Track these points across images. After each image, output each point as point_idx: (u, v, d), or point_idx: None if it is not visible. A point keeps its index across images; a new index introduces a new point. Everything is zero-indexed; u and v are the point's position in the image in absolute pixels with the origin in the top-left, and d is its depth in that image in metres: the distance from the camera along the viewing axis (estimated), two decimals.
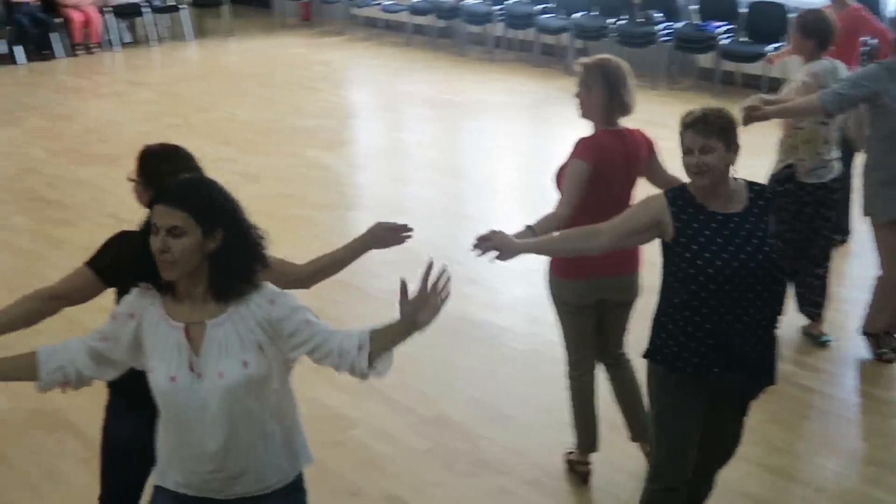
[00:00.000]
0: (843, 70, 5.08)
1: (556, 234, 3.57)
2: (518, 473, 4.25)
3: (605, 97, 3.87)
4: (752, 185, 3.26)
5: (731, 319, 3.15)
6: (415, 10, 13.55)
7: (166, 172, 3.14)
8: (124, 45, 14.20)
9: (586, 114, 3.97)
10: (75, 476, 4.34)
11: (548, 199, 7.75)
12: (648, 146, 3.98)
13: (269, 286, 2.69)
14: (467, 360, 5.27)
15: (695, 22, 10.97)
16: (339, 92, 11.67)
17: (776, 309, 3.25)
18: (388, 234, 3.46)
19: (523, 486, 4.17)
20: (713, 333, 3.17)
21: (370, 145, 9.79)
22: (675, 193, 3.24)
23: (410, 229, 3.47)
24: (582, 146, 3.89)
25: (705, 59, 10.86)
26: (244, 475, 2.67)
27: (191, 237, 2.50)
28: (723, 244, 3.12)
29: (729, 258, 3.10)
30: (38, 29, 13.37)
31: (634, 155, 3.90)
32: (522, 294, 6.10)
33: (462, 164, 8.85)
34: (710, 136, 3.12)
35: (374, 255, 6.77)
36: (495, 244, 3.42)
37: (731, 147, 3.16)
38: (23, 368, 2.75)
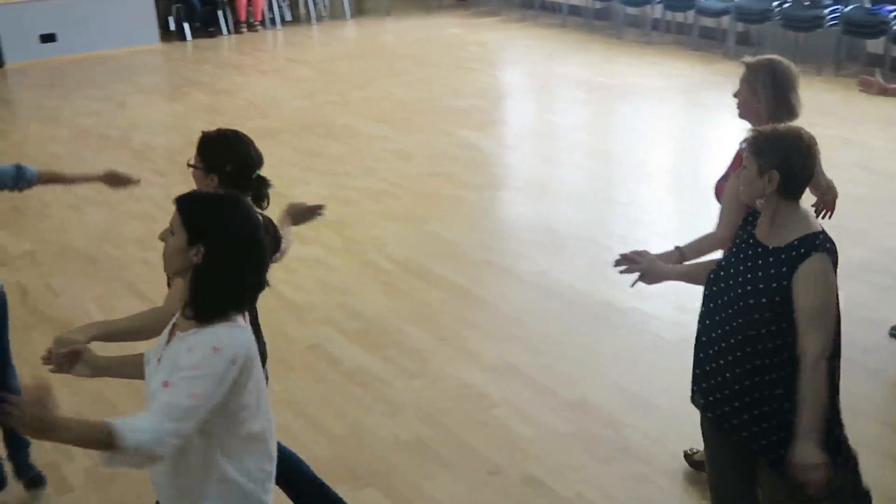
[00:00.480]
0: None
1: (706, 259, 3.39)
2: (659, 463, 4.18)
3: (772, 101, 3.62)
4: (807, 234, 2.88)
5: (705, 346, 3.04)
6: None
7: (226, 159, 3.19)
8: (285, 23, 14.57)
9: (746, 116, 3.73)
10: None
11: (699, 187, 7.63)
12: None
13: (231, 333, 2.45)
14: (612, 346, 5.21)
15: (866, 5, 10.50)
16: (493, 72, 11.68)
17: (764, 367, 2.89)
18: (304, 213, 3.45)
19: (663, 476, 4.11)
20: (695, 360, 3.09)
21: (522, 126, 9.77)
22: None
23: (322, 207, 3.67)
24: None
25: (875, 45, 10.38)
26: None
27: (178, 239, 2.48)
28: (733, 273, 2.98)
29: (723, 289, 2.98)
30: (205, 7, 13.87)
31: None
32: (673, 282, 5.98)
33: (613, 148, 8.72)
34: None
35: (521, 236, 6.84)
36: (641, 267, 3.33)
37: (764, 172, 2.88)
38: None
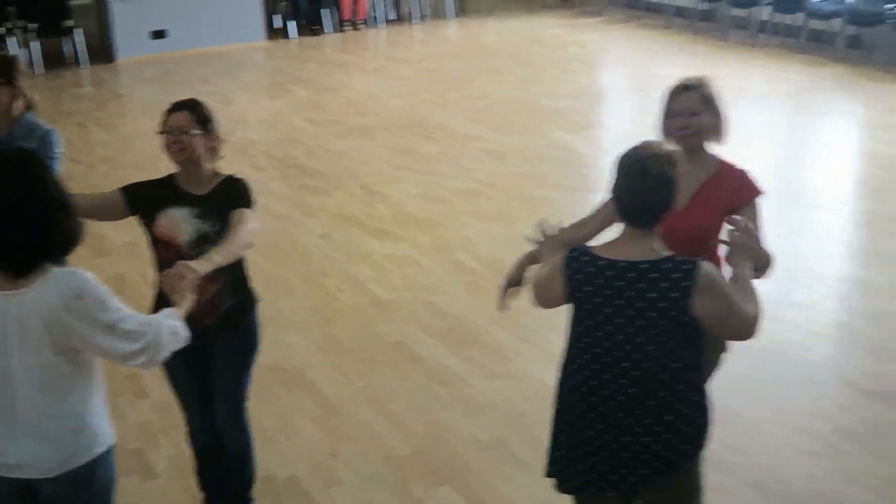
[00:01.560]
0: None
1: None
2: (740, 474, 4.09)
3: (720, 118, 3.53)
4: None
5: None
6: None
7: None
8: (389, 22, 14.71)
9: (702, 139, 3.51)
10: (308, 431, 4.57)
11: (802, 192, 7.44)
12: None
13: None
14: None
15: None
16: (592, 73, 11.60)
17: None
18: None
19: (745, 488, 4.02)
20: None
21: (619, 129, 9.66)
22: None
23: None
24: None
25: None
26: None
27: None
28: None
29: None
30: (310, 5, 14.09)
31: None
32: (763, 289, 5.85)
33: (716, 154, 8.56)
34: None
35: (608, 240, 6.74)
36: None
37: None
38: None
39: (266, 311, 5.73)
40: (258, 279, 6.14)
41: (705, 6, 13.08)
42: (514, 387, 4.84)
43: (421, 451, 4.36)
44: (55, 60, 12.74)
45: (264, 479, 4.11)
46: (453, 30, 14.49)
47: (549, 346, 5.19)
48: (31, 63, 12.43)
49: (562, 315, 5.53)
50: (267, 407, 4.76)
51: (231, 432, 3.77)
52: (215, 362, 3.67)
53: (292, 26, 13.97)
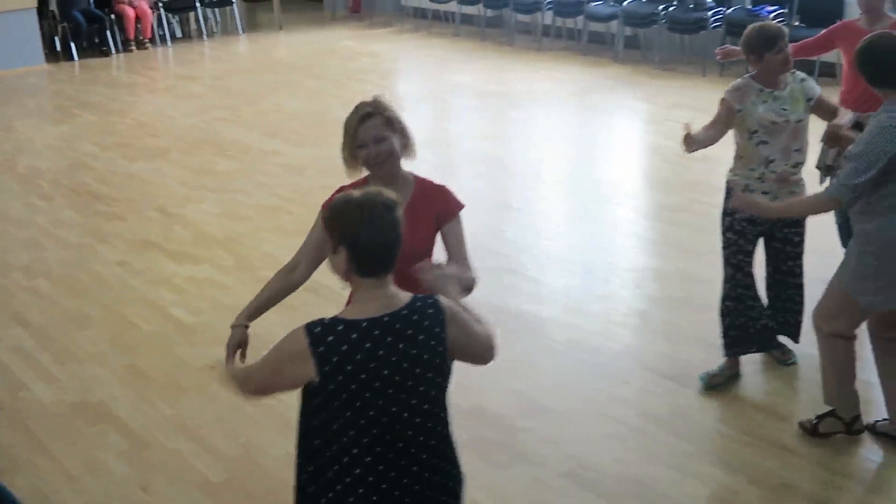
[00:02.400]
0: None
1: None
2: (553, 465, 4.21)
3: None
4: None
5: None
6: (463, 0, 13.50)
7: None
8: (176, 40, 14.37)
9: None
10: (116, 467, 4.39)
11: (591, 189, 7.73)
12: None
13: None
14: (507, 351, 5.14)
15: (746, 7, 10.78)
16: (387, 83, 11.67)
17: None
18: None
19: (559, 478, 4.14)
20: None
21: (416, 136, 9.74)
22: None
23: None
24: None
25: None
26: None
27: None
28: None
29: None
30: (92, 26, 13.57)
31: None
32: (563, 285, 6.06)
33: (507, 155, 8.78)
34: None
35: None
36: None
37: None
38: None
39: (63, 346, 5.52)
40: (53, 313, 5.93)
41: (491, 13, 13.42)
42: None
43: (235, 476, 4.27)
44: None
45: None
46: (243, 45, 14.30)
47: None
48: None
49: None
50: (69, 446, 4.55)
51: None
52: None
53: (74, 48, 13.42)
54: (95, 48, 13.64)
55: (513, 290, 5.92)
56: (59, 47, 13.53)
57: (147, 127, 10.05)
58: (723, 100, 4.53)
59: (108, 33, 13.57)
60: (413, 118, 11.13)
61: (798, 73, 4.53)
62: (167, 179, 8.34)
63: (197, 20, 14.54)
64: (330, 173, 8.38)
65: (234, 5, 14.76)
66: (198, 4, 14.33)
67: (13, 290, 6.36)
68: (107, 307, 6.03)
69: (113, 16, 13.63)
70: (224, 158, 8.80)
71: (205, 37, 14.48)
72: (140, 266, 6.59)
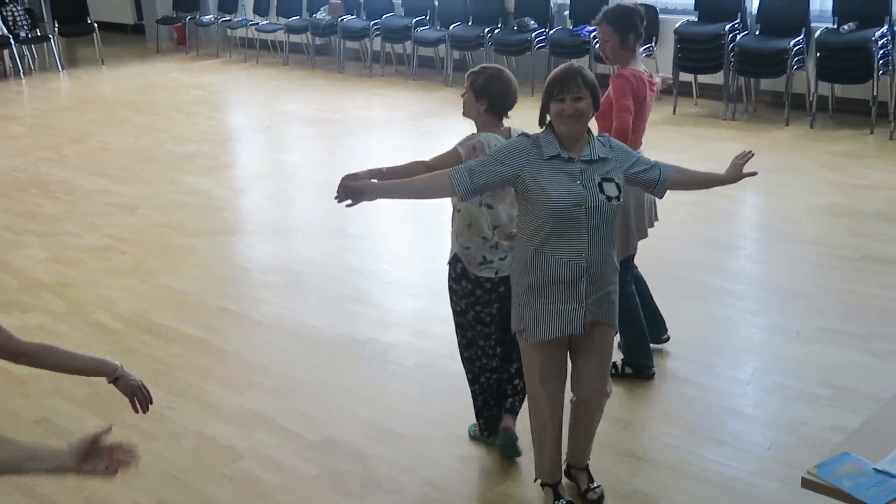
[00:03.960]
0: None
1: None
2: (408, 491, 4.20)
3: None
4: None
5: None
6: (290, 29, 13.44)
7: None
8: None
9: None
10: None
11: (430, 211, 7.79)
12: None
13: None
14: (354, 379, 5.20)
15: (568, 27, 11.12)
16: (217, 115, 11.51)
17: None
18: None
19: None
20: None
21: (251, 168, 9.67)
22: None
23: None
24: None
25: (580, 63, 11.01)
26: None
27: None
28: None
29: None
30: None
31: None
32: (408, 308, 6.07)
33: None
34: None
35: (257, 280, 6.73)
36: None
37: None
38: None
39: None
40: None
41: (319, 41, 13.41)
42: (173, 445, 4.66)
43: None
44: None
45: None
46: (64, 82, 13.83)
47: (205, 397, 5.08)
48: None
49: (218, 362, 5.43)
50: None
51: None
52: None
53: None
54: None
55: (357, 317, 5.91)
56: None
57: None
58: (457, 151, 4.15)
59: None
60: (246, 150, 11.09)
61: None
62: None
63: (12, 57, 13.97)
64: (166, 209, 8.25)
65: (52, 41, 14.27)
66: (12, 41, 13.78)
67: None
68: None
69: None
70: (50, 200, 8.47)
71: (21, 74, 13.93)
72: None
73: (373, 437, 4.63)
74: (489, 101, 3.98)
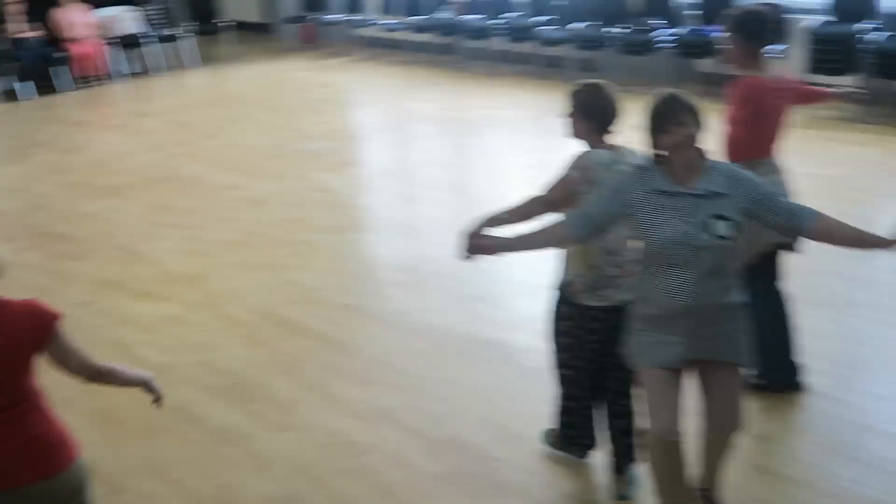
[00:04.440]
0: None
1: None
2: (532, 495, 4.21)
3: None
4: None
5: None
6: (415, 28, 13.56)
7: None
8: (128, 76, 14.28)
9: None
10: None
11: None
12: None
13: None
14: (478, 379, 5.23)
15: (694, 27, 10.94)
16: (343, 113, 11.69)
17: None
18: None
19: None
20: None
21: (376, 165, 9.79)
22: None
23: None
24: None
25: (706, 64, 10.84)
26: None
27: None
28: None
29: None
30: (42, 64, 13.46)
31: None
32: (531, 311, 6.06)
33: (468, 181, 8.81)
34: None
35: (382, 277, 6.81)
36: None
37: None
38: None
39: None
40: None
41: (443, 40, 13.49)
42: (302, 437, 4.77)
43: None
44: None
45: None
46: (198, 79, 14.24)
47: (332, 392, 5.18)
48: None
49: (344, 357, 5.53)
50: None
51: None
52: None
53: (27, 87, 13.30)
54: (47, 87, 13.51)
55: (481, 318, 5.93)
56: (7, 87, 13.40)
57: (103, 165, 9.97)
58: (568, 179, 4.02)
59: (61, 71, 13.47)
60: (371, 148, 11.21)
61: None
62: (127, 217, 8.27)
63: (149, 56, 14.46)
64: (294, 206, 8.42)
65: (188, 39, 14.71)
66: (150, 39, 14.27)
67: None
68: None
69: (65, 54, 13.54)
70: (184, 194, 8.75)
71: (158, 72, 14.40)
72: (104, 306, 6.51)
73: (498, 438, 4.64)
74: (594, 118, 3.87)
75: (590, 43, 11.58)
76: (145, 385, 3.44)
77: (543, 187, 3.90)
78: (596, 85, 3.94)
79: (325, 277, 6.74)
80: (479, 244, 3.68)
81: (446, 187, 8.66)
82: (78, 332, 6.10)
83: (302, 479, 4.43)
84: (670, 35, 10.93)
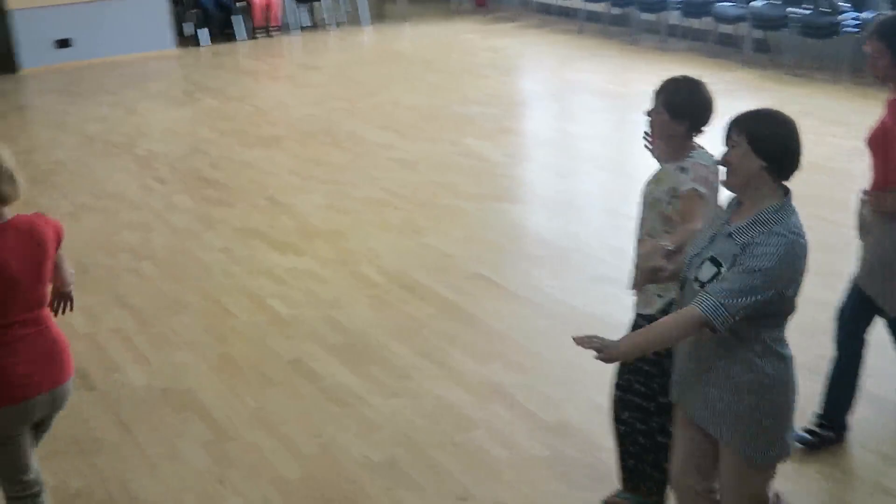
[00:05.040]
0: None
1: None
2: None
3: None
4: None
5: None
6: None
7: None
8: (303, 29, 14.52)
9: None
10: (195, 457, 4.39)
11: None
12: None
13: None
14: (597, 365, 5.02)
15: (883, 11, 10.25)
16: (506, 79, 11.53)
17: None
18: None
19: None
20: None
21: (532, 135, 9.62)
22: None
23: None
24: None
25: None
26: None
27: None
28: None
29: None
30: (221, 12, 13.84)
31: None
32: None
33: (626, 159, 8.51)
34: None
35: (520, 250, 6.66)
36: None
37: None
38: None
39: (159, 331, 5.58)
40: (153, 297, 6.01)
41: (616, 11, 13.13)
42: (411, 405, 4.72)
43: (311, 475, 4.22)
44: None
45: None
46: (368, 36, 14.35)
47: (449, 362, 5.10)
48: None
49: (466, 328, 5.44)
50: (152, 431, 4.59)
51: None
52: None
53: (203, 34, 13.72)
54: (224, 34, 13.89)
55: (612, 300, 5.72)
56: (188, 32, 13.85)
57: (265, 114, 10.17)
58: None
59: (237, 20, 13.82)
60: (529, 116, 11.02)
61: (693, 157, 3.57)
62: (279, 168, 8.40)
63: (324, 10, 14.67)
64: (442, 169, 8.36)
65: None
66: None
67: (119, 271, 6.48)
68: (205, 294, 6.08)
69: (243, 3, 13.88)
70: (337, 149, 8.82)
71: (331, 27, 14.59)
72: (242, 254, 6.63)
73: (606, 426, 4.45)
74: (691, 120, 3.52)
75: (769, 22, 11.01)
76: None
77: (681, 214, 3.48)
78: (694, 81, 3.60)
79: (462, 245, 6.65)
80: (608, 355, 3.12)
81: (603, 163, 8.41)
82: (212, 278, 6.29)
83: (404, 447, 4.38)
84: (856, 19, 10.27)
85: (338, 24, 14.71)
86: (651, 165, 3.76)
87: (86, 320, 5.71)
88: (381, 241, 6.75)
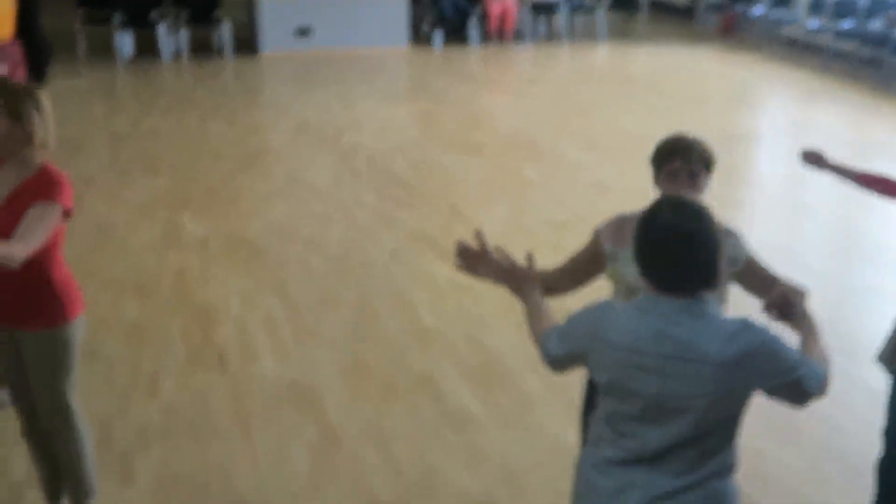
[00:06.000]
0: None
1: None
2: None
3: None
4: None
5: None
6: (839, 34, 12.42)
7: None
8: (539, 39, 14.42)
9: None
10: (299, 461, 4.33)
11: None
12: None
13: None
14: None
15: None
16: (732, 111, 10.95)
17: None
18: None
19: None
20: None
21: (753, 174, 9.07)
22: None
23: None
24: None
25: None
26: None
27: None
28: None
29: None
30: (458, 15, 13.96)
31: None
32: (878, 331, 5.28)
33: (860, 222, 7.68)
34: None
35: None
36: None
37: None
38: None
39: (306, 325, 5.59)
40: (310, 290, 6.03)
41: (867, 51, 12.24)
42: (526, 440, 4.48)
43: (404, 500, 4.06)
44: (202, 50, 13.04)
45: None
46: (601, 53, 14.08)
47: (576, 400, 4.80)
48: (177, 50, 12.77)
49: None
50: (267, 427, 4.56)
51: None
52: None
53: (438, 35, 13.88)
54: (458, 38, 14.01)
55: None
56: (423, 32, 14.05)
57: (475, 122, 10.13)
58: (594, 230, 3.37)
59: (472, 25, 13.89)
60: (748, 157, 10.23)
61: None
62: (471, 176, 8.32)
63: (560, 23, 14.51)
64: (636, 199, 7.91)
65: (601, 11, 14.59)
66: (563, 8, 14.32)
67: (287, 260, 6.57)
68: (361, 294, 6.05)
69: (482, 10, 13.94)
70: (535, 165, 8.64)
71: (566, 40, 14.41)
72: (408, 258, 6.57)
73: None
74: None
75: None
76: None
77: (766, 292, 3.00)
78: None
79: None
80: None
81: (830, 219, 7.70)
82: (372, 277, 6.25)
83: (506, 486, 4.15)
84: None
85: (573, 38, 14.51)
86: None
87: (240, 303, 5.81)
88: (548, 263, 6.49)
